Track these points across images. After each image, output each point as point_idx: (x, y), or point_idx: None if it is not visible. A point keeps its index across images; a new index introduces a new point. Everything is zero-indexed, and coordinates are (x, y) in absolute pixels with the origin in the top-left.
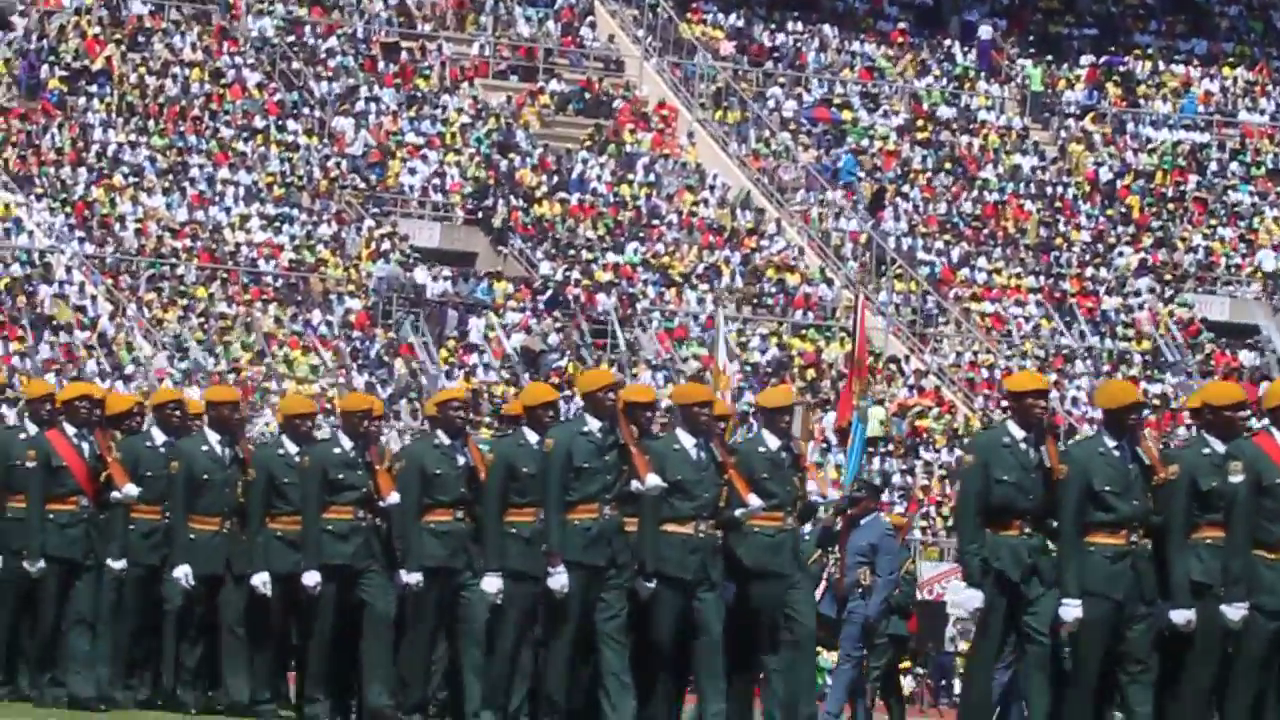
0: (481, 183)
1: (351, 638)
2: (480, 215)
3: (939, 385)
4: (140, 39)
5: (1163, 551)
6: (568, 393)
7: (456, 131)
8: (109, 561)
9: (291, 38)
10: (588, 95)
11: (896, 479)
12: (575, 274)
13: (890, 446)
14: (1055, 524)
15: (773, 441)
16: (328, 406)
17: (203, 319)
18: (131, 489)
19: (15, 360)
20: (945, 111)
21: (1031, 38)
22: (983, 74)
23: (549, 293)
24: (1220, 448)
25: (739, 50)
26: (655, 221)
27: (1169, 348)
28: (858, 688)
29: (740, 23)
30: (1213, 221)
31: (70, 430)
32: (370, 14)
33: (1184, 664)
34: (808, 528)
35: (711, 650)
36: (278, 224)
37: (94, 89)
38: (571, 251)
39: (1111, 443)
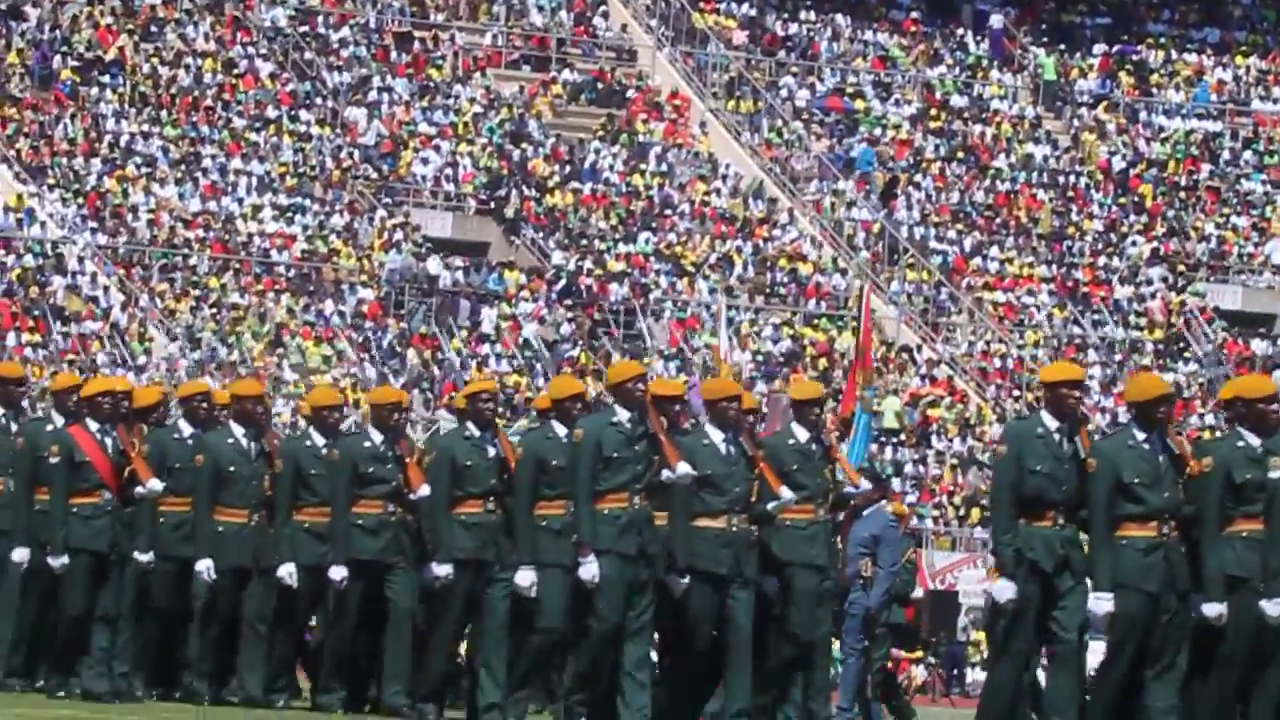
0: (494, 173)
1: (370, 630)
2: (493, 205)
3: (951, 375)
4: (153, 29)
5: (1195, 544)
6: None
7: (469, 121)
8: (136, 554)
9: (304, 28)
10: (600, 85)
11: (909, 469)
12: (588, 264)
13: (902, 436)
14: (1086, 515)
15: (802, 434)
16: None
17: (215, 309)
18: (156, 483)
19: (28, 351)
20: (958, 101)
21: (1044, 26)
22: (995, 63)
23: (562, 282)
24: (1254, 440)
25: (751, 40)
26: (667, 211)
27: (1196, 340)
28: (861, 680)
29: (753, 12)
30: (1225, 210)
31: (94, 425)
32: (383, 4)
33: (1214, 659)
34: None
35: (741, 648)
36: (290, 214)
37: (107, 79)
38: (584, 241)
39: (1141, 435)
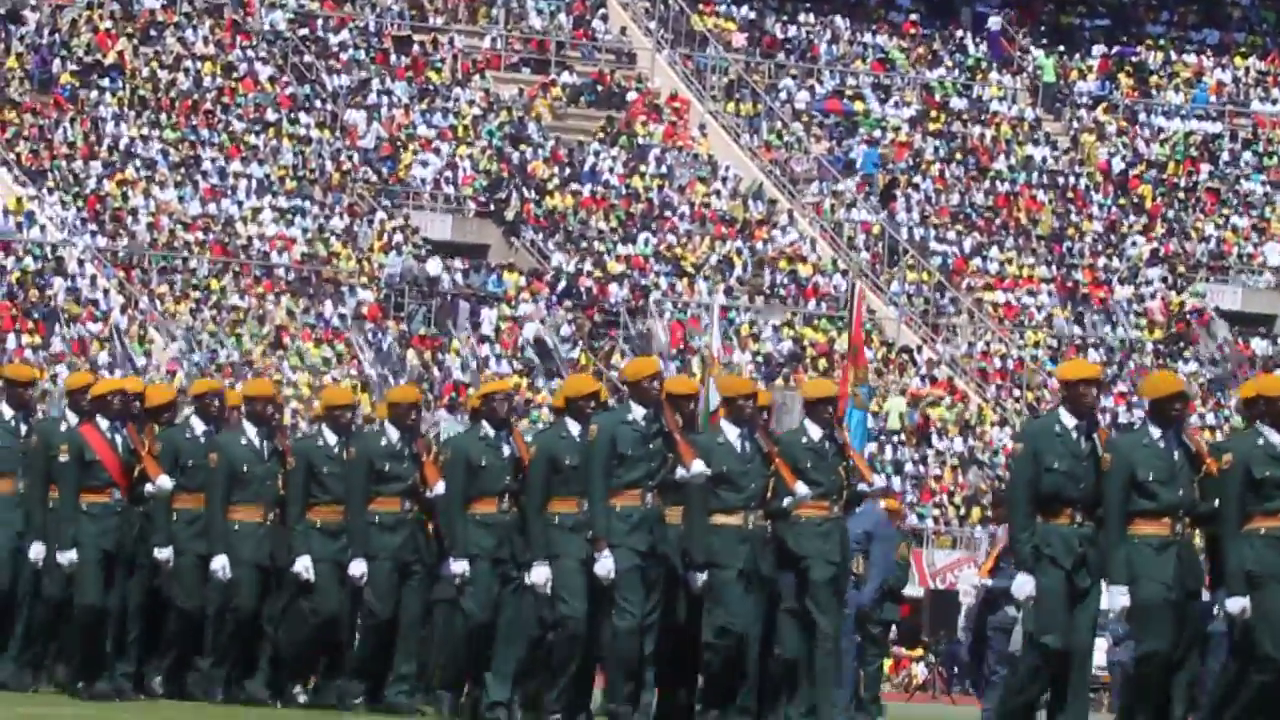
0: (493, 175)
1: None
2: (492, 207)
3: (951, 375)
4: (152, 33)
5: (1214, 541)
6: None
7: (468, 124)
8: (156, 551)
9: (304, 31)
10: (600, 87)
11: (909, 468)
12: (587, 265)
13: (902, 436)
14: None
15: (815, 431)
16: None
17: (215, 312)
18: (166, 482)
19: (29, 354)
20: (957, 102)
21: (1043, 28)
22: (994, 65)
23: (562, 284)
24: (1274, 438)
25: (751, 42)
26: (667, 213)
27: (1207, 341)
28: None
29: (752, 14)
30: (1225, 211)
31: (104, 424)
32: (382, 7)
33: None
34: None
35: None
36: (290, 217)
37: (106, 83)
38: (584, 243)
39: (1156, 433)
